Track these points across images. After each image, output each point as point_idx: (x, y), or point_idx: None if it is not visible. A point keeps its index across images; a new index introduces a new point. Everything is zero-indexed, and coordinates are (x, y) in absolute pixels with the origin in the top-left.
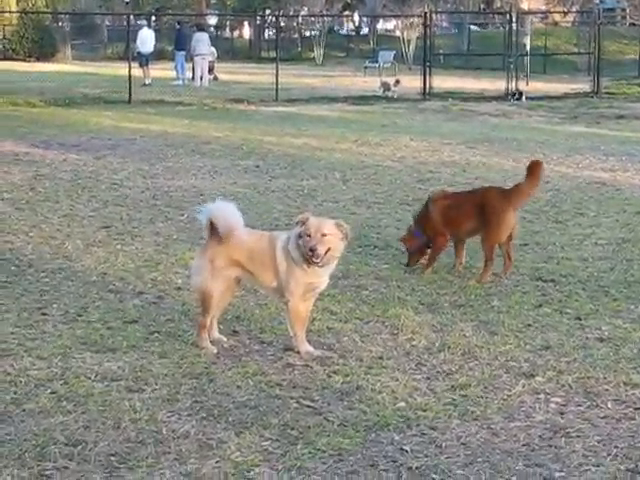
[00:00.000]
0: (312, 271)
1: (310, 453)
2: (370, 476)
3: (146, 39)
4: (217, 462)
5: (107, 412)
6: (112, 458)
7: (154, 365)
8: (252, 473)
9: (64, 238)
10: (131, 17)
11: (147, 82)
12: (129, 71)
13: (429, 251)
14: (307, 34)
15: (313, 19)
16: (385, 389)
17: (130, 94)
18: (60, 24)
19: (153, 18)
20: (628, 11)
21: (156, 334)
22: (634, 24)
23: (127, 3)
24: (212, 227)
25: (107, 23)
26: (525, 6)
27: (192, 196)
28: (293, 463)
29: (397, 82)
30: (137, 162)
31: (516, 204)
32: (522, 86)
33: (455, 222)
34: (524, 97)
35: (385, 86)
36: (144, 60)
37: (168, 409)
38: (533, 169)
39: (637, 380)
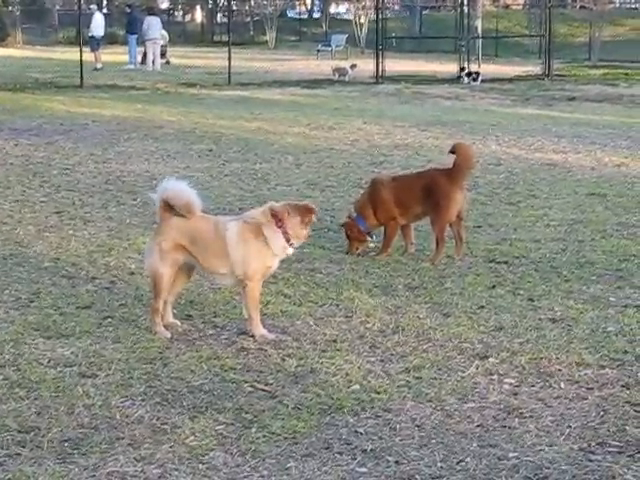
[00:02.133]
0: (276, 255)
1: (265, 437)
2: (325, 459)
3: (98, 23)
4: (171, 447)
5: (60, 398)
6: (65, 444)
7: (107, 350)
8: (207, 457)
9: (15, 224)
10: (82, 1)
11: (98, 67)
12: (80, 55)
13: (369, 238)
14: (259, 18)
15: (265, 2)
16: (339, 372)
17: (82, 79)
18: (10, 8)
19: (104, 2)
20: None
21: (109, 319)
22: (584, 7)
23: None
24: (165, 207)
25: (58, 7)
26: None
27: (145, 181)
28: (248, 447)
29: (353, 66)
30: (89, 147)
31: (460, 183)
32: (475, 68)
33: (404, 205)
34: (480, 79)
35: (340, 71)
36: (95, 44)
37: (122, 394)
38: (460, 150)
39: (589, 360)
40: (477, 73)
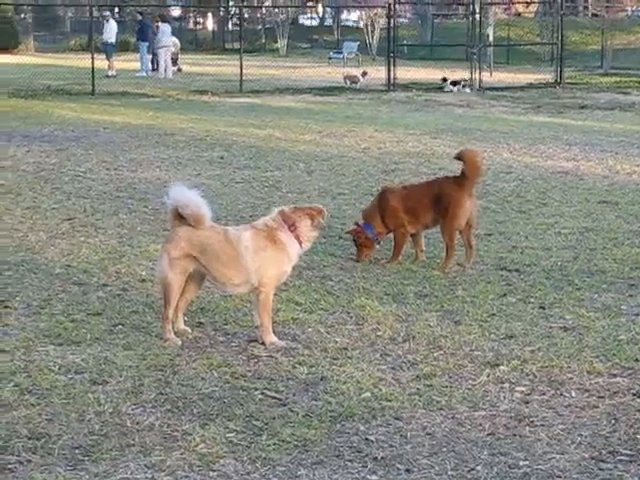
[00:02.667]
0: (291, 260)
1: (275, 444)
2: (335, 466)
3: (113, 30)
4: (182, 454)
5: (71, 405)
6: (76, 451)
7: (118, 357)
8: (217, 465)
9: (27, 230)
10: (94, 9)
11: (110, 74)
12: (92, 63)
13: (377, 246)
14: (271, 25)
15: (277, 10)
16: (350, 380)
17: (93, 86)
18: (23, 16)
19: (116, 10)
20: (590, 2)
21: (120, 326)
22: (596, 15)
23: None
24: (176, 215)
25: (70, 15)
26: None
27: (156, 188)
28: (258, 454)
29: (364, 73)
30: (101, 154)
31: (468, 190)
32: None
33: (414, 213)
34: (471, 86)
35: (351, 79)
36: (110, 51)
37: (132, 401)
38: (466, 157)
39: (600, 368)
40: (465, 80)
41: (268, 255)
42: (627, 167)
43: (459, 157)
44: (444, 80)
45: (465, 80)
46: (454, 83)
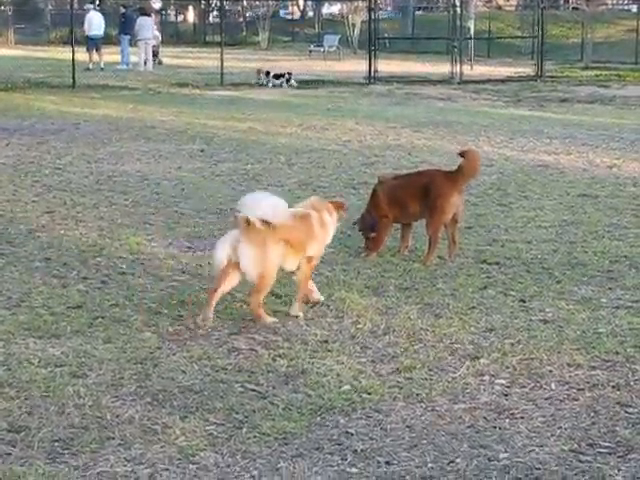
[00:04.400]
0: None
1: (255, 437)
2: (315, 459)
3: (94, 22)
4: (162, 447)
5: (50, 398)
6: (56, 444)
7: (98, 350)
8: (197, 457)
9: (7, 223)
10: (74, 1)
11: (91, 67)
12: (73, 55)
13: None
14: (252, 18)
15: (258, 3)
16: (330, 372)
17: (74, 78)
18: (2, 8)
19: (97, 2)
20: None
21: (100, 319)
22: (576, 8)
23: None
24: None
25: (50, 7)
26: None
27: (137, 181)
28: (238, 447)
29: (289, 74)
30: (81, 147)
31: (460, 187)
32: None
33: (400, 204)
34: (288, 80)
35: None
36: (93, 44)
37: (112, 394)
38: (468, 155)
39: (580, 361)
40: (289, 73)
41: (327, 233)
42: (607, 160)
43: (462, 154)
44: (267, 74)
45: (289, 73)
46: (277, 77)
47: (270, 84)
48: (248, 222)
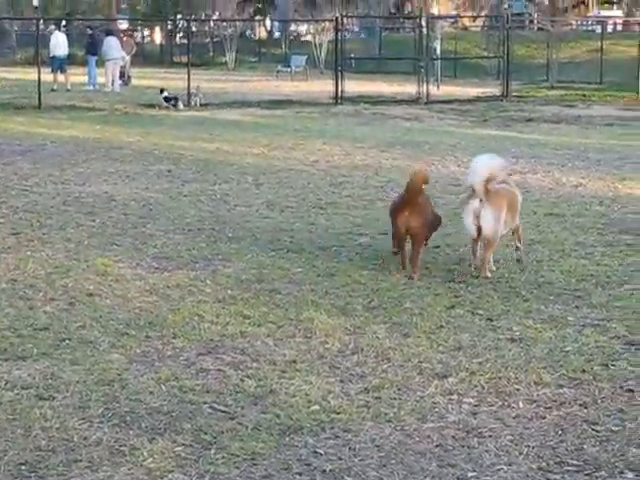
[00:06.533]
0: None
1: (224, 458)
2: None
3: (58, 43)
4: (130, 469)
5: (17, 420)
6: (22, 467)
7: (65, 372)
8: (165, 479)
9: None
10: (40, 22)
11: (55, 87)
12: (39, 76)
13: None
14: (219, 39)
15: (225, 24)
16: (299, 392)
17: (40, 99)
18: None
19: (63, 23)
20: (536, 16)
21: (67, 341)
22: (542, 28)
23: (36, 8)
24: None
25: (16, 28)
26: (435, 11)
27: (103, 202)
28: (207, 468)
29: (161, 90)
30: (48, 168)
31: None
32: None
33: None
34: (180, 103)
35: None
36: (57, 65)
37: (80, 416)
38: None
39: (548, 379)
40: (175, 99)
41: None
42: (573, 179)
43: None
44: (161, 91)
45: (175, 98)
46: (167, 99)
47: (163, 104)
48: (487, 189)
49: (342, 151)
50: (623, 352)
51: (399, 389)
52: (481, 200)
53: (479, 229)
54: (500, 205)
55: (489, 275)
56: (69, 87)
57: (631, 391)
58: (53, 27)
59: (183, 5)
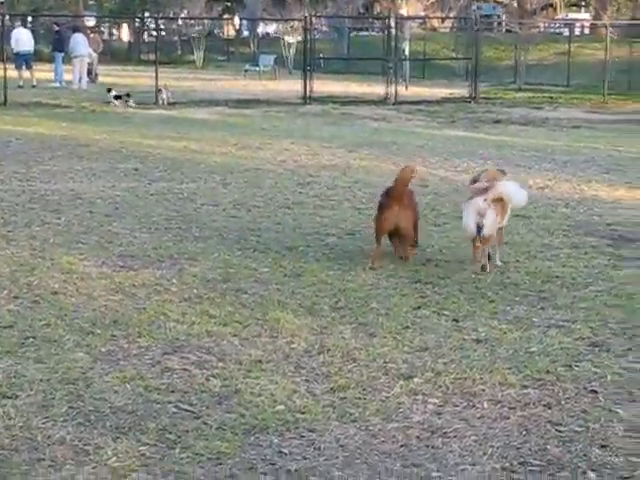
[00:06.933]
0: None
1: (188, 457)
2: (249, 479)
3: (22, 39)
4: (93, 468)
5: None
6: None
7: (29, 371)
8: (129, 478)
9: None
10: (6, 18)
11: (21, 84)
12: (4, 73)
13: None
14: (187, 37)
15: (193, 22)
16: (264, 392)
17: (5, 96)
18: None
19: (29, 19)
20: (504, 18)
21: (31, 339)
22: (510, 30)
23: (2, 3)
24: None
25: None
26: (404, 11)
27: (69, 199)
28: (171, 467)
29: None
30: (13, 165)
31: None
32: (402, 91)
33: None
34: (131, 99)
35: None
36: (22, 61)
37: (43, 415)
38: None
39: (512, 380)
40: (129, 94)
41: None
42: (539, 181)
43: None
44: (108, 91)
45: (129, 95)
46: (117, 97)
47: (112, 103)
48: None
49: (310, 151)
50: (587, 353)
51: (364, 389)
52: (485, 199)
53: (479, 228)
54: (501, 205)
55: (499, 264)
56: (35, 83)
57: (594, 392)
58: (18, 24)
59: (151, 2)
